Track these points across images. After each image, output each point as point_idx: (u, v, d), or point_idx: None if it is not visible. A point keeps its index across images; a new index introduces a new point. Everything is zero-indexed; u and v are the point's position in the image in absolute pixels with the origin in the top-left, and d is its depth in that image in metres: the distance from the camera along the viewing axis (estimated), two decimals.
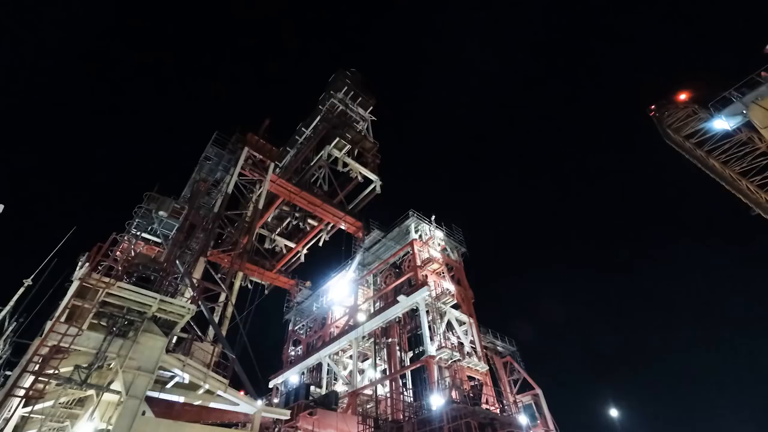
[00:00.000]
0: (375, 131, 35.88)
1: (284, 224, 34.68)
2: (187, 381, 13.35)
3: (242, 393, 15.08)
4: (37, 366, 10.50)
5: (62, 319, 11.50)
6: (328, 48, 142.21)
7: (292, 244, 36.83)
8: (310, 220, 34.54)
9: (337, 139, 29.79)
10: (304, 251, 36.74)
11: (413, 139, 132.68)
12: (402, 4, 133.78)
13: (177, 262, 16.74)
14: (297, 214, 33.67)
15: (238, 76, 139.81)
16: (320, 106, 35.03)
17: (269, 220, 34.14)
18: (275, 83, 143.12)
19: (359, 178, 31.09)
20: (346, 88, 35.14)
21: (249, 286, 35.20)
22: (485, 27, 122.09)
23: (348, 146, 30.46)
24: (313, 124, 35.20)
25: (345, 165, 30.84)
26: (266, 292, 36.69)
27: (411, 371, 26.43)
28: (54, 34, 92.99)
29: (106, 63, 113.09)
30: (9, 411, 10.35)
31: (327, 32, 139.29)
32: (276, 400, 31.77)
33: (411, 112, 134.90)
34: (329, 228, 33.76)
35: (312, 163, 31.32)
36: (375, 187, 30.97)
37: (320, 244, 35.26)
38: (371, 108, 36.47)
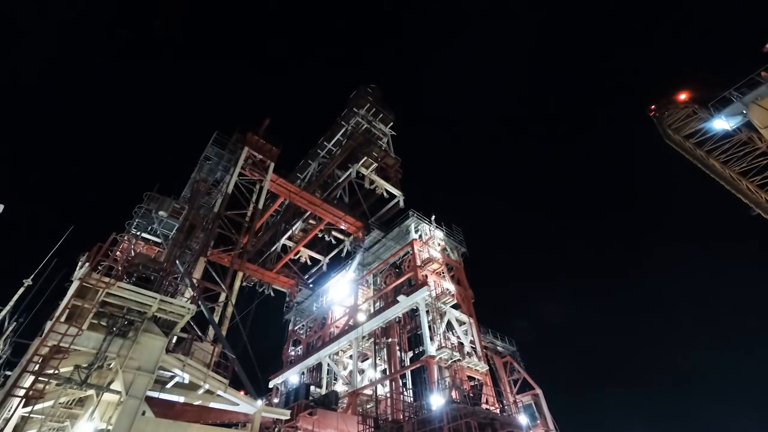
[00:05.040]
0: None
1: (309, 236, 36.10)
2: (187, 381, 13.35)
3: (242, 393, 15.08)
4: (37, 366, 10.51)
5: (62, 319, 11.50)
6: (329, 54, 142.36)
7: (316, 255, 38.30)
8: (334, 233, 35.71)
9: (365, 158, 31.49)
10: (326, 260, 38.69)
11: (414, 140, 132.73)
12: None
13: (177, 262, 16.76)
14: (323, 227, 35.01)
15: (239, 77, 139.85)
16: (343, 122, 36.52)
17: (295, 231, 35.74)
18: (274, 83, 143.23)
19: (384, 194, 32.49)
20: (368, 105, 36.54)
21: (272, 293, 36.83)
22: (487, 37, 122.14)
23: (375, 164, 32.10)
24: (335, 139, 36.75)
25: (372, 182, 32.30)
26: (287, 299, 37.84)
27: (411, 371, 26.42)
28: (50, 31, 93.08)
29: (109, 61, 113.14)
30: (9, 411, 10.36)
31: (330, 39, 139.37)
32: (276, 400, 31.76)
33: (410, 112, 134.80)
34: (352, 239, 35.21)
35: (340, 180, 32.99)
36: (399, 201, 32.47)
37: (343, 254, 36.70)
38: (391, 123, 38.03)
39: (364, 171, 31.77)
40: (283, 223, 36.08)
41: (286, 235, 35.44)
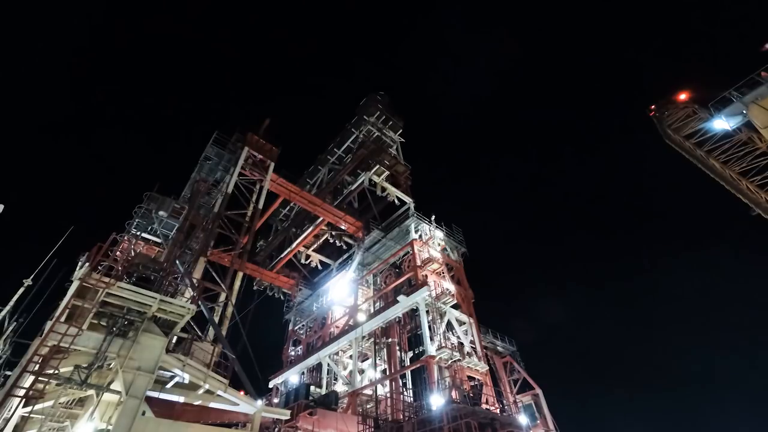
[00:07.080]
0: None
1: (320, 241, 36.68)
2: (187, 381, 13.35)
3: (242, 393, 15.08)
4: (37, 366, 10.51)
5: (62, 319, 11.51)
6: (329, 53, 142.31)
7: (326, 259, 38.96)
8: (345, 238, 36.15)
9: (377, 166, 31.94)
10: (336, 264, 38.94)
11: (415, 140, 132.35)
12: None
13: (177, 262, 16.75)
14: (333, 232, 35.57)
15: (239, 76, 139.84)
16: (353, 129, 36.89)
17: (307, 237, 35.76)
18: (275, 81, 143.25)
19: (395, 201, 32.83)
20: (378, 113, 36.95)
21: (281, 297, 36.96)
22: (487, 36, 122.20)
23: (386, 172, 32.57)
24: (345, 145, 37.24)
25: (383, 189, 32.65)
26: (294, 301, 38.13)
27: (411, 371, 26.42)
28: (48, 29, 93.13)
29: (110, 58, 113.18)
30: (9, 411, 10.37)
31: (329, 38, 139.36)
32: (276, 400, 31.73)
33: (410, 112, 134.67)
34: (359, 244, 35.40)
35: (353, 188, 33.59)
36: (409, 208, 32.78)
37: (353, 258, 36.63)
38: (400, 130, 38.46)
39: (375, 179, 32.29)
40: (293, 227, 36.31)
41: (297, 240, 35.81)
